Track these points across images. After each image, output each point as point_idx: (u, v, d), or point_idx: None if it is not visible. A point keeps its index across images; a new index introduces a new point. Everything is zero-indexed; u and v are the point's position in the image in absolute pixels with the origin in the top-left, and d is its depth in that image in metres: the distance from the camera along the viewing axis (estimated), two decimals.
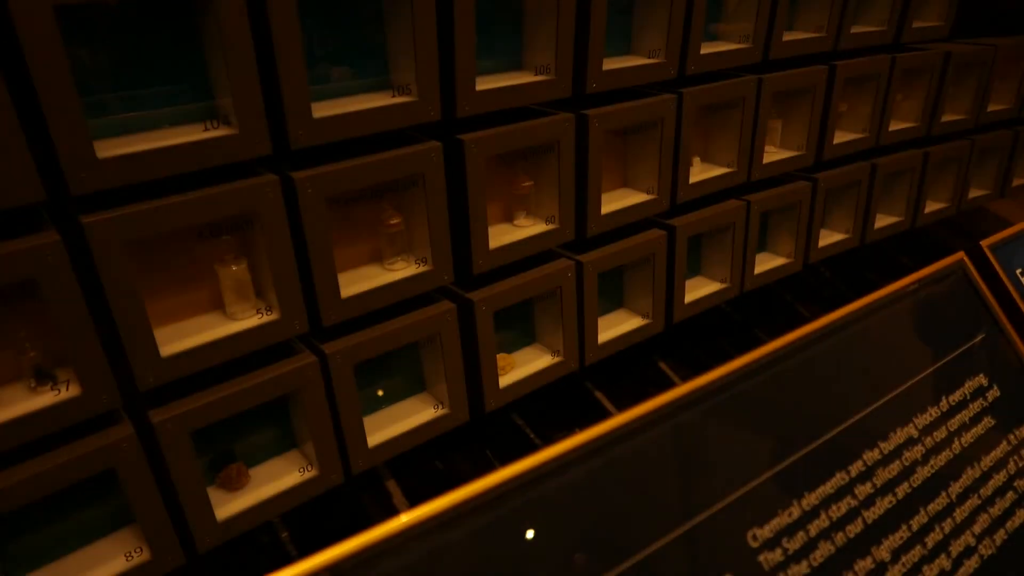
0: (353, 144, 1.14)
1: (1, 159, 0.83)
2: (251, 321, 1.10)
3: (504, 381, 1.45)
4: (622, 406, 1.93)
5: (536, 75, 1.30)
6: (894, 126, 1.99)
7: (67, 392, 0.97)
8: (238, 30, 0.95)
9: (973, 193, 2.33)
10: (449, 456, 1.72)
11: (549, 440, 1.82)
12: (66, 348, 0.95)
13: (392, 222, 1.25)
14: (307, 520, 1.51)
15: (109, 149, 0.92)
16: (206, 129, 0.99)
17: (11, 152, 0.83)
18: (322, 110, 1.07)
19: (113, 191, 0.94)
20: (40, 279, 0.90)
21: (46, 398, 0.96)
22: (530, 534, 0.64)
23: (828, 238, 2.01)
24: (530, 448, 1.79)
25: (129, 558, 1.09)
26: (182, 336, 1.07)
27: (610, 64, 1.38)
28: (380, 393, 1.40)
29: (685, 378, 2.12)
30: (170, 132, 0.99)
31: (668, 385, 2.11)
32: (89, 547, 1.12)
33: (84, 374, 0.96)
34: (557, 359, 1.53)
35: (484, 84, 1.23)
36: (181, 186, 1.00)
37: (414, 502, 1.64)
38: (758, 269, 1.85)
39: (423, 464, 1.68)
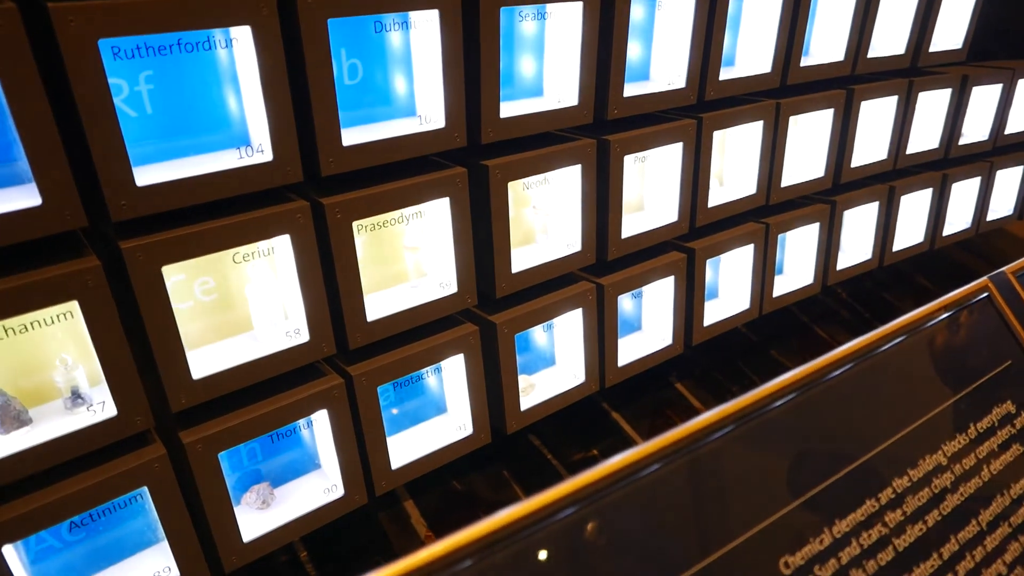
0: (380, 169, 1.17)
1: (47, 187, 0.86)
2: (280, 344, 1.12)
3: (525, 403, 1.46)
4: (639, 427, 1.93)
5: (558, 102, 1.32)
6: (912, 148, 2.00)
7: (102, 413, 0.99)
8: (274, 65, 0.98)
9: (991, 215, 2.33)
10: (466, 476, 1.72)
11: (566, 461, 1.82)
12: (102, 370, 0.97)
13: (416, 246, 1.27)
14: (326, 540, 1.52)
15: (147, 176, 0.95)
16: (240, 157, 1.02)
17: (57, 180, 0.86)
18: (351, 138, 1.10)
19: (150, 216, 0.97)
20: (80, 302, 0.92)
21: (82, 418, 0.98)
22: (562, 563, 0.64)
23: (847, 260, 2.01)
24: (548, 469, 1.79)
25: None
26: (213, 358, 1.09)
27: (631, 91, 1.40)
28: (403, 414, 1.41)
29: (702, 400, 2.11)
30: (205, 159, 1.02)
31: (686, 407, 2.11)
32: (118, 565, 1.13)
33: (119, 395, 0.98)
34: (578, 381, 1.54)
35: (507, 111, 1.26)
36: (215, 212, 1.02)
37: (431, 523, 1.65)
38: (777, 292, 1.85)
39: (440, 484, 1.68)
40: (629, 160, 1.44)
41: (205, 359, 1.09)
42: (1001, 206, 2.37)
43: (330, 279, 1.14)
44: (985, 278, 0.99)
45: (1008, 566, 0.82)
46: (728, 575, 0.67)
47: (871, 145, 1.94)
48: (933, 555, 0.78)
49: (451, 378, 1.40)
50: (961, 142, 2.11)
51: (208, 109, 1.04)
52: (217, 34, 0.98)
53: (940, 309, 0.94)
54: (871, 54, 1.79)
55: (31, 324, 0.97)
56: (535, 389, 1.52)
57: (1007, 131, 2.21)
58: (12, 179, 0.91)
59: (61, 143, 0.86)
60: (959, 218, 2.26)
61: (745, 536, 0.69)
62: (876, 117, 1.91)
